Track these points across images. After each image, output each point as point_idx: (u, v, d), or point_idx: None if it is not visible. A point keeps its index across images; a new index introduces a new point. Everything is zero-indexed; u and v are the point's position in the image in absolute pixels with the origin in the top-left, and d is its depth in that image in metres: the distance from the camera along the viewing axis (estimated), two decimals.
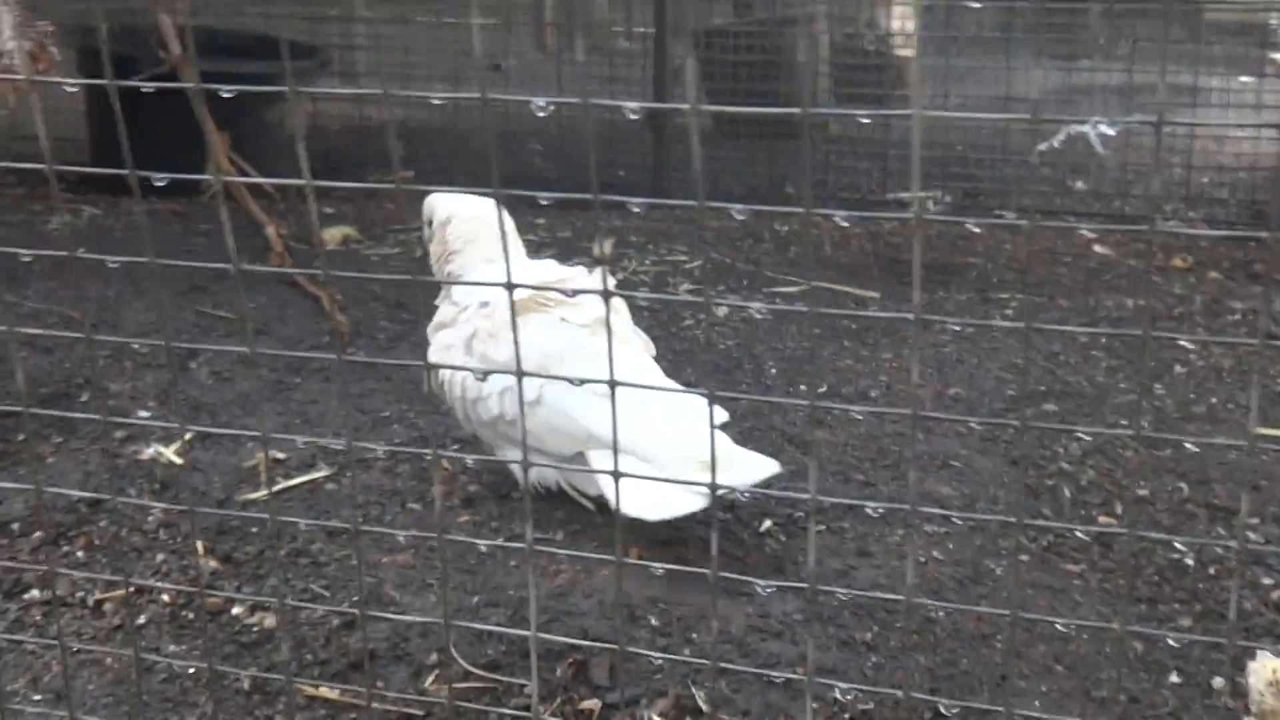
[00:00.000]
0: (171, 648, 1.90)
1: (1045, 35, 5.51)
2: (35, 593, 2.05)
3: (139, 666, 1.66)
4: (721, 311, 3.27)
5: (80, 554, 2.12)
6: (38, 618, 1.99)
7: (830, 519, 2.24)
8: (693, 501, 1.98)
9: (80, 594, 2.02)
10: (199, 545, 2.10)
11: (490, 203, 2.43)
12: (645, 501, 1.99)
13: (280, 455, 2.39)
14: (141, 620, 1.95)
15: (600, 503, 2.19)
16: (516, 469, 2.23)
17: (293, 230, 3.59)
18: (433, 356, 2.28)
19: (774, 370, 2.95)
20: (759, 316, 3.26)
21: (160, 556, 2.09)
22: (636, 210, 4.29)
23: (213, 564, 2.07)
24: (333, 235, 3.79)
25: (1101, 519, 2.31)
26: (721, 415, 2.20)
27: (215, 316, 3.13)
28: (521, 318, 2.11)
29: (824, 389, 2.83)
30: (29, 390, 2.67)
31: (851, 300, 3.47)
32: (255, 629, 1.92)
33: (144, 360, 2.82)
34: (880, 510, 2.14)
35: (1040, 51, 5.63)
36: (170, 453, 2.40)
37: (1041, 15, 5.41)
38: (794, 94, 5.40)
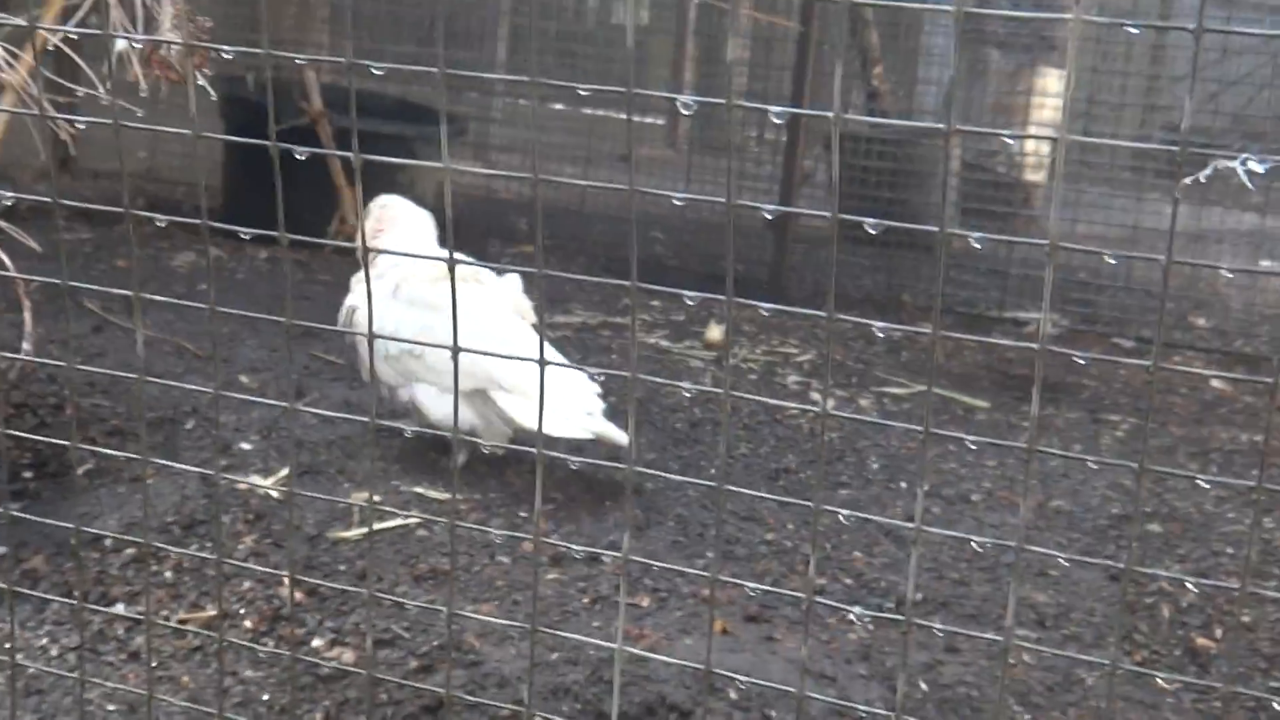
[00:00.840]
0: (249, 673, 1.90)
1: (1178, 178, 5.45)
2: (121, 607, 2.06)
3: (220, 688, 1.66)
4: (830, 405, 3.24)
5: (169, 574, 2.14)
6: (120, 632, 2.01)
7: (922, 613, 2.19)
8: (581, 428, 2.49)
9: (165, 613, 2.04)
10: (286, 577, 2.10)
11: (412, 205, 2.94)
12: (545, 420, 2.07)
13: (376, 498, 2.40)
14: (224, 644, 1.95)
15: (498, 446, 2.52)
16: (423, 401, 2.60)
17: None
18: (352, 301, 2.71)
19: (875, 465, 2.91)
20: (863, 414, 3.23)
21: (247, 584, 2.10)
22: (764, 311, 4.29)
23: (298, 596, 2.08)
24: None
25: (1199, 641, 2.23)
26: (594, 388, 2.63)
27: (325, 360, 3.17)
28: (437, 283, 2.61)
29: (925, 489, 2.79)
30: (140, 414, 2.71)
31: (959, 407, 3.42)
32: (333, 663, 1.91)
33: (252, 393, 2.86)
34: (972, 608, 2.09)
35: (1171, 192, 5.56)
36: (268, 485, 2.42)
37: (1175, 159, 5.35)
38: (922, 204, 5.40)
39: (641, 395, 3.11)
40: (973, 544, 2.10)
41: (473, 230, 5.02)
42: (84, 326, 3.17)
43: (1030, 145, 5.90)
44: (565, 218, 5.39)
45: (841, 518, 2.23)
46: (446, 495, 2.44)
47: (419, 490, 2.47)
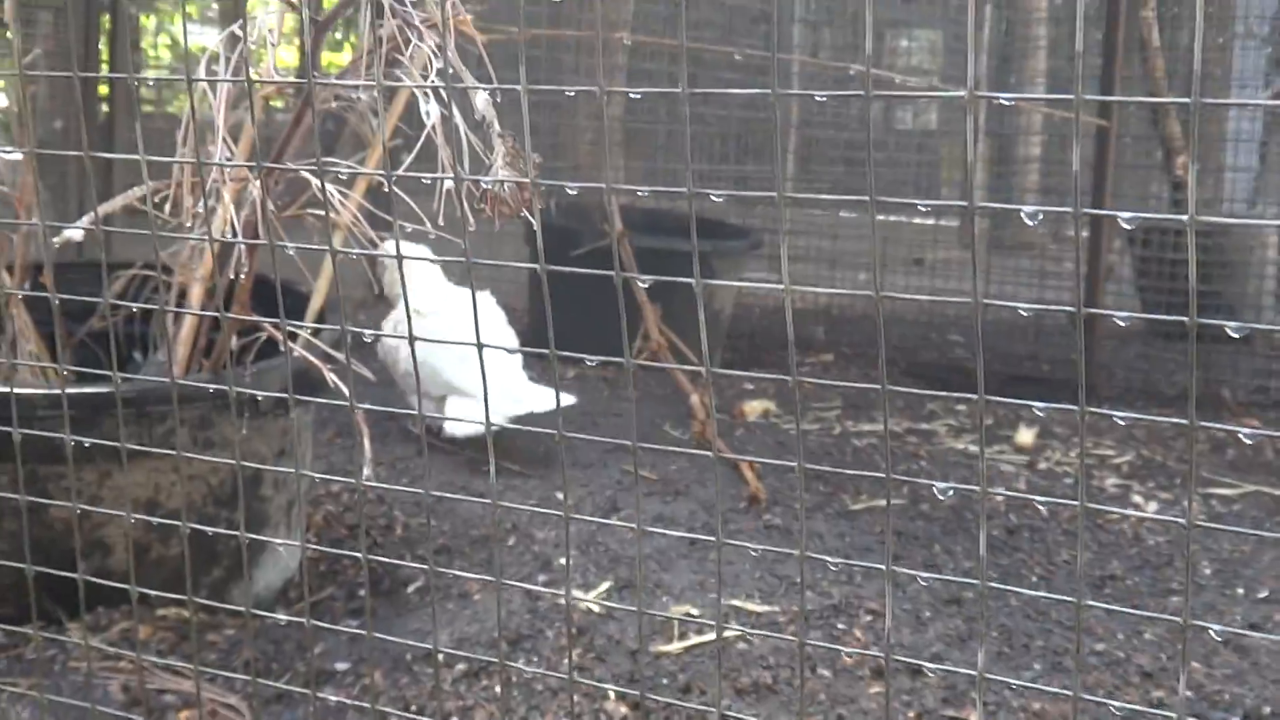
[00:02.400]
0: None
1: None
2: None
3: None
4: (1151, 507, 3.12)
5: (497, 689, 2.20)
6: None
7: None
8: (502, 415, 3.06)
9: None
10: (610, 691, 2.13)
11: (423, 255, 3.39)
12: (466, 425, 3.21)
13: (693, 611, 2.42)
14: None
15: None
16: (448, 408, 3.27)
17: (718, 405, 3.67)
18: (385, 327, 3.37)
19: (1208, 571, 2.77)
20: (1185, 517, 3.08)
21: (575, 698, 2.14)
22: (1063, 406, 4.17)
23: (623, 710, 2.10)
24: (753, 408, 3.85)
25: None
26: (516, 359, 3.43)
27: (640, 476, 3.22)
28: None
29: (1264, 594, 2.64)
30: (463, 531, 2.81)
31: None
32: None
33: (572, 511, 2.93)
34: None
35: None
36: (589, 599, 2.47)
37: None
38: (1236, 295, 5.16)
39: (954, 502, 3.06)
40: None
41: (770, 339, 5.05)
42: (409, 449, 3.31)
43: None
44: (862, 324, 5.38)
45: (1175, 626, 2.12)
46: (765, 608, 2.44)
47: (736, 603, 2.48)
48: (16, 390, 2.22)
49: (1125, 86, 5.03)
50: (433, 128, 1.64)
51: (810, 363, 4.88)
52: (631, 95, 5.45)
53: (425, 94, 1.67)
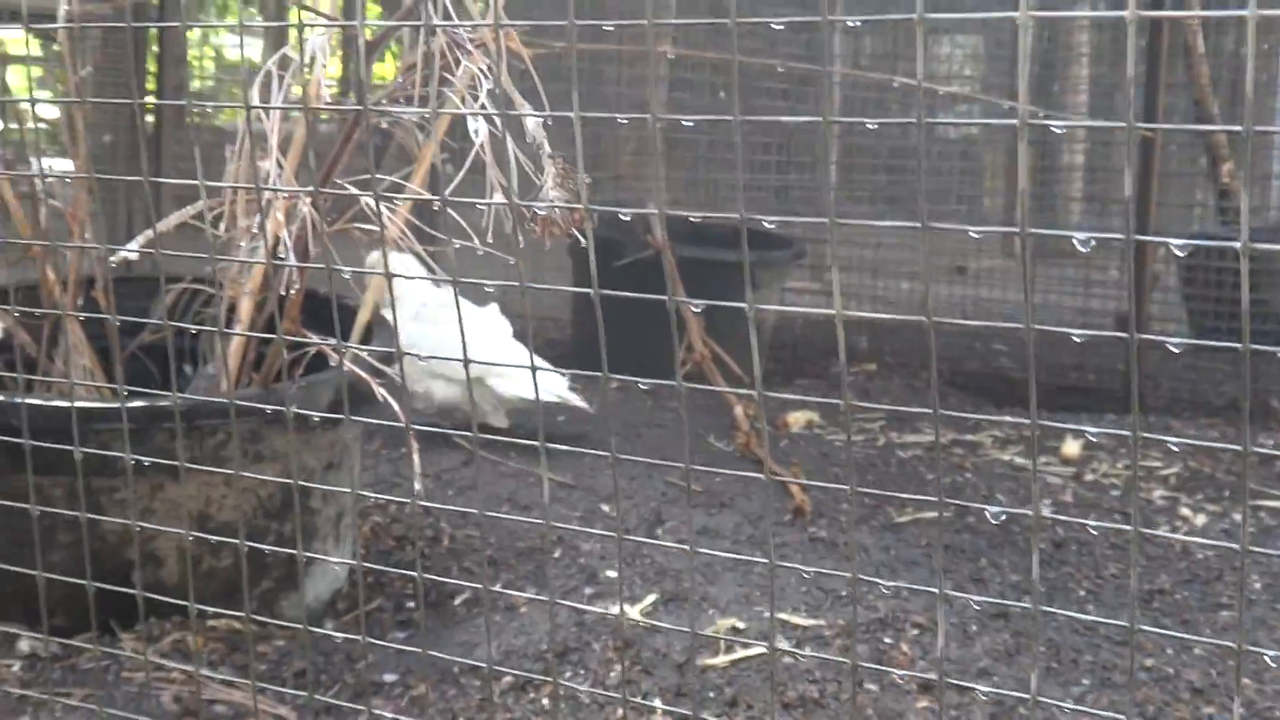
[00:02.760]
0: None
1: None
2: None
3: None
4: (1200, 520, 3.11)
5: (545, 701, 2.21)
6: None
7: None
8: (547, 392, 3.51)
9: None
10: (657, 704, 2.14)
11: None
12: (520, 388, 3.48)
13: (740, 625, 2.42)
14: None
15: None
16: (435, 390, 3.45)
17: (759, 412, 3.67)
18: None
19: (1258, 584, 2.75)
20: (1237, 530, 3.07)
21: (619, 712, 2.14)
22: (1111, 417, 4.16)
23: None
24: (796, 419, 3.85)
25: None
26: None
27: (681, 488, 3.23)
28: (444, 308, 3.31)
29: None
30: (508, 543, 2.83)
31: None
32: None
33: (613, 524, 2.94)
34: None
35: None
36: (635, 612, 2.47)
37: None
38: None
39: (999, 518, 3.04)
40: None
41: (813, 349, 5.05)
42: (454, 460, 3.33)
43: None
44: (904, 332, 5.36)
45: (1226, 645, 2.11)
46: (811, 621, 2.44)
47: (783, 616, 2.48)
48: (69, 404, 2.25)
49: (1169, 92, 5.00)
50: (481, 146, 1.65)
51: (854, 372, 4.88)
52: (674, 108, 5.43)
53: (474, 112, 1.69)
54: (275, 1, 11.15)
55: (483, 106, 1.78)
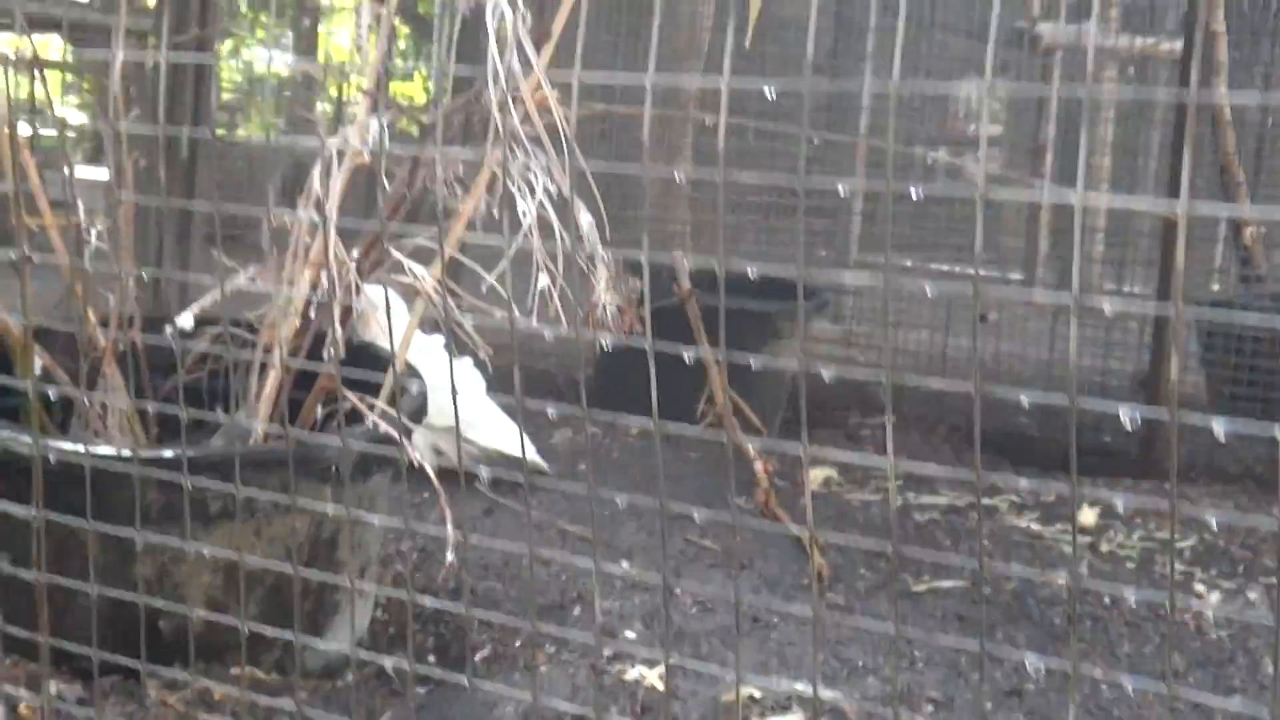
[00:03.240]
0: None
1: None
2: None
3: None
4: (1213, 598, 3.12)
5: None
6: None
7: None
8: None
9: None
10: None
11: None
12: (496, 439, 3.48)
13: (755, 694, 2.44)
14: None
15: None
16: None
17: (778, 467, 3.69)
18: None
19: (1271, 670, 2.77)
20: (1253, 607, 3.09)
21: None
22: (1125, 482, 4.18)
23: None
24: (816, 476, 3.87)
25: None
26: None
27: (700, 546, 3.25)
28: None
29: None
30: (531, 601, 2.85)
31: None
32: None
33: (633, 581, 2.96)
34: None
35: None
36: (653, 677, 2.50)
37: None
38: None
39: (1016, 587, 3.07)
40: None
41: (834, 398, 5.07)
42: (476, 508, 3.35)
43: None
44: (930, 389, 5.36)
45: None
46: (828, 693, 2.46)
47: (799, 687, 2.50)
48: (101, 451, 2.29)
49: (1193, 150, 5.02)
50: (529, 230, 1.68)
51: (871, 424, 4.90)
52: (699, 153, 5.46)
53: (523, 191, 1.72)
54: (300, 13, 11.23)
55: (532, 182, 1.81)
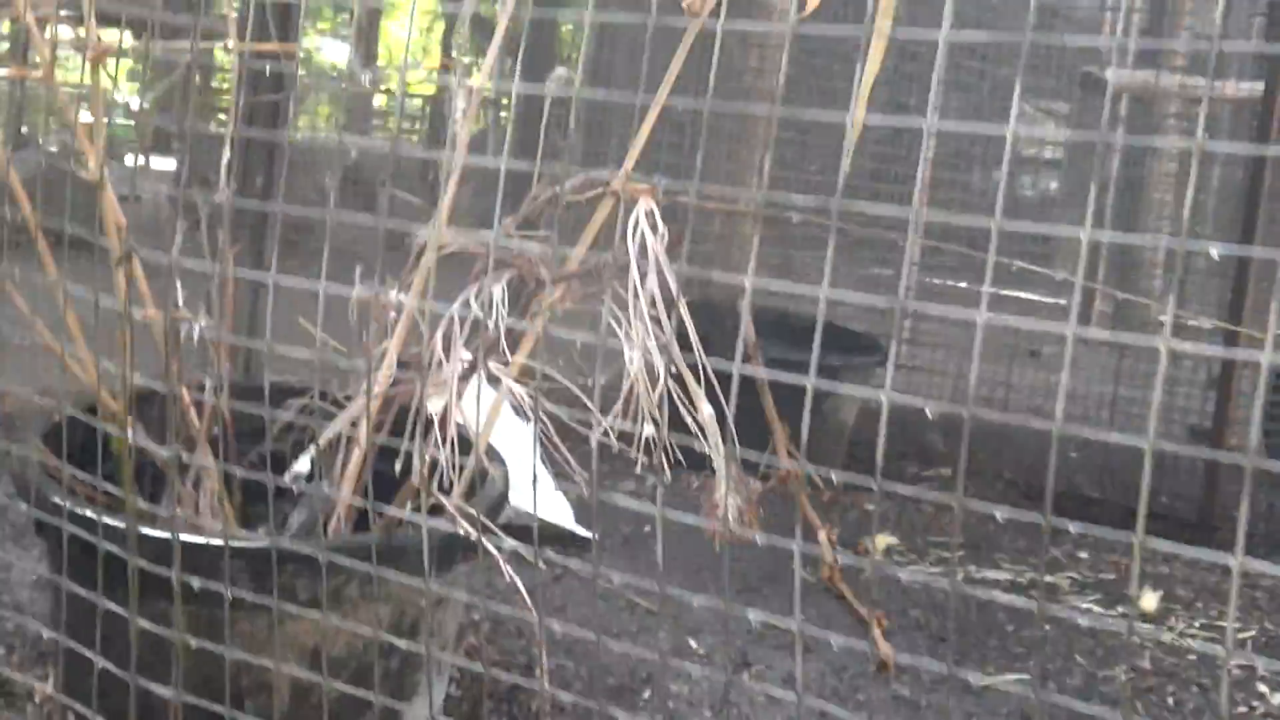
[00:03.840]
0: None
1: None
2: None
3: None
4: (1277, 700, 3.13)
5: None
6: None
7: None
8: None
9: None
10: None
11: None
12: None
13: None
14: None
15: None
16: None
17: (840, 534, 3.72)
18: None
19: None
20: None
21: None
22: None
23: None
24: (877, 543, 3.90)
25: None
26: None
27: (769, 625, 3.28)
28: None
29: None
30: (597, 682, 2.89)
31: None
32: None
33: (703, 659, 3.01)
34: None
35: None
36: None
37: None
38: None
39: (1080, 684, 3.09)
40: None
41: (892, 449, 5.08)
42: (546, 574, 3.40)
43: None
44: (980, 435, 5.39)
45: None
46: None
47: None
48: (191, 539, 2.35)
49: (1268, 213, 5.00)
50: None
51: (928, 477, 4.92)
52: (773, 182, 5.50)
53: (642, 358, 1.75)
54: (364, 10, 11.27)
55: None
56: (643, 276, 1.63)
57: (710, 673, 2.96)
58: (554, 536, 3.31)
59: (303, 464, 2.20)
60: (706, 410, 1.59)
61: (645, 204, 1.62)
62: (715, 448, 1.54)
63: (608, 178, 2.33)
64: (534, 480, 2.22)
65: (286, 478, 2.60)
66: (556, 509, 3.52)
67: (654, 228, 1.64)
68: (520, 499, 3.45)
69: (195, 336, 2.61)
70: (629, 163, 2.32)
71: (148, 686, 2.18)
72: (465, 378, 2.40)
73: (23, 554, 3.15)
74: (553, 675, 2.91)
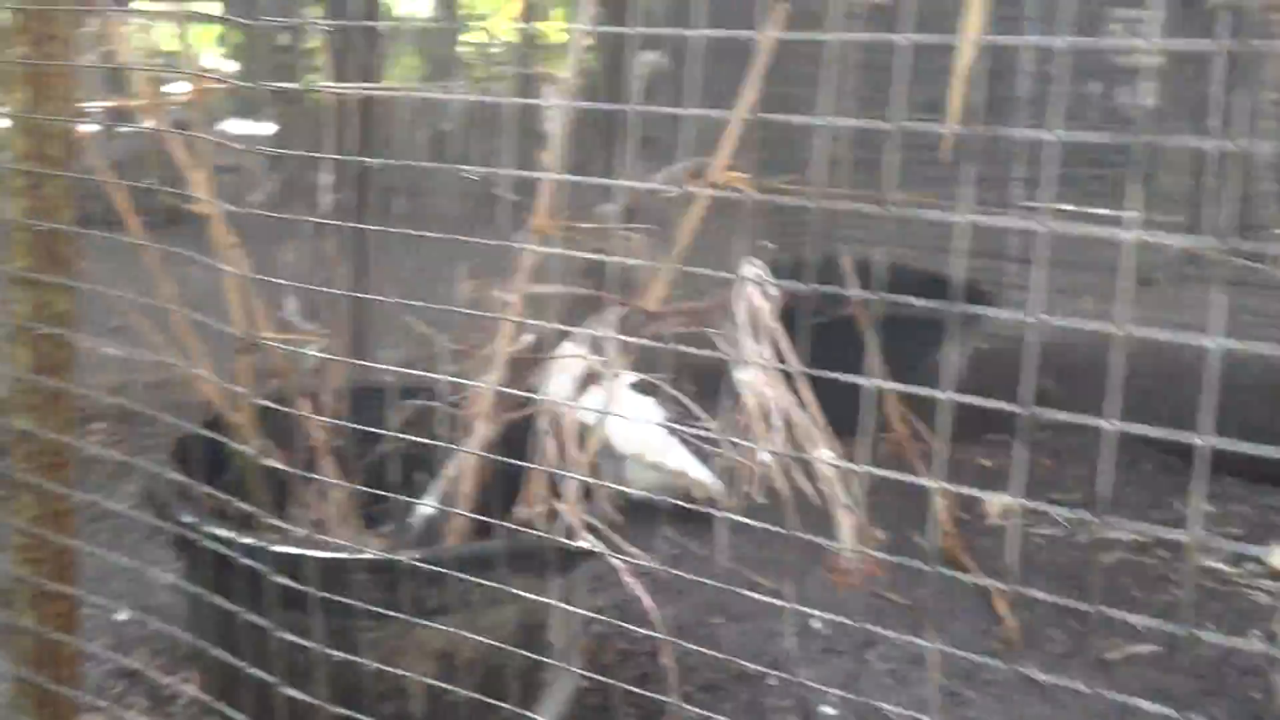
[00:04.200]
0: None
1: None
2: None
3: None
4: None
5: None
6: None
7: None
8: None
9: None
10: None
11: None
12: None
13: None
14: None
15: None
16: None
17: (955, 499, 3.68)
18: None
19: None
20: None
21: None
22: None
23: None
24: (994, 506, 3.84)
25: None
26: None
27: (890, 601, 3.26)
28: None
29: None
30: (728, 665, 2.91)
31: None
32: None
33: (828, 644, 3.01)
34: None
35: None
36: None
37: None
38: None
39: (1214, 655, 3.04)
40: None
41: (1002, 395, 5.00)
42: (664, 552, 3.41)
43: None
44: (1094, 371, 5.26)
45: None
46: None
47: None
48: (324, 555, 2.40)
49: None
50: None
51: (1046, 427, 4.83)
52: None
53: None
54: None
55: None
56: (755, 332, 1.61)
57: (835, 651, 2.97)
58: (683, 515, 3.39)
59: (429, 503, 2.22)
60: (827, 455, 1.57)
61: (750, 270, 1.60)
62: (837, 499, 1.53)
63: (703, 168, 2.32)
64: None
65: (413, 520, 2.64)
66: (692, 463, 3.52)
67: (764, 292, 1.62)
68: (660, 458, 3.46)
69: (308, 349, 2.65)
70: (723, 154, 2.31)
71: (293, 694, 2.22)
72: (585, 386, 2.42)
73: (155, 555, 3.20)
74: (680, 663, 2.93)
